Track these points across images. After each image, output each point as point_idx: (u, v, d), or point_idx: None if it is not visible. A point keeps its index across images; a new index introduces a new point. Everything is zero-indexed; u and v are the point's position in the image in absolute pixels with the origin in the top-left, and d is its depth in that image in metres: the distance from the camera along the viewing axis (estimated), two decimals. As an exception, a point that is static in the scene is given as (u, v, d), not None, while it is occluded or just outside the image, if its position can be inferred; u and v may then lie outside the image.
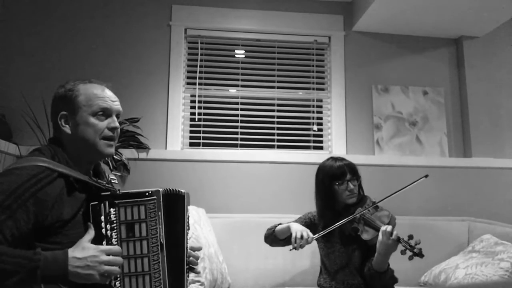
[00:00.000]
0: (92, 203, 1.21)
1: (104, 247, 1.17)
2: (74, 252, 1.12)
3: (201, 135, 2.98)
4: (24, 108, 2.56)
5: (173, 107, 2.91)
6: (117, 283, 1.18)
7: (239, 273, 2.48)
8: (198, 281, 1.91)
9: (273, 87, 3.09)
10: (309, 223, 2.11)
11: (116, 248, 1.18)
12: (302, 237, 1.81)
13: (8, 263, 1.04)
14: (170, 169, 2.80)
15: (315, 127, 3.10)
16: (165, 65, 2.96)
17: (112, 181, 1.44)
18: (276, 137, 3.04)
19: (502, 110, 3.17)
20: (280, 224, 2.04)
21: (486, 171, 3.03)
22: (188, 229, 1.39)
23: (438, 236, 2.68)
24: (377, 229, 1.82)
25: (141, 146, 2.77)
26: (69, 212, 1.19)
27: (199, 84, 3.02)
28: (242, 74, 3.08)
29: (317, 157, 2.53)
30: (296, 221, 2.13)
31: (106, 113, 1.31)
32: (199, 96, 3.01)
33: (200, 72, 3.03)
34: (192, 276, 1.69)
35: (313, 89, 3.14)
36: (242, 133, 3.01)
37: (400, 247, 1.76)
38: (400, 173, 2.91)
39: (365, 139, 3.05)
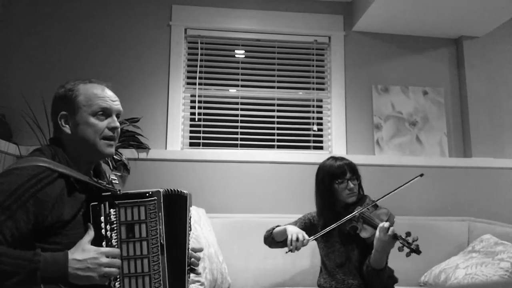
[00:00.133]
0: (92, 204, 1.21)
1: (104, 249, 1.17)
2: (74, 254, 1.12)
3: (201, 135, 2.98)
4: (24, 108, 2.56)
5: (173, 107, 2.91)
6: (116, 283, 1.18)
7: (239, 273, 2.48)
8: (198, 281, 1.91)
9: (273, 87, 3.09)
10: (308, 224, 2.11)
11: (115, 250, 1.18)
12: (297, 239, 1.82)
13: (8, 264, 1.04)
14: (170, 169, 2.80)
15: (315, 127, 3.10)
16: (165, 65, 2.96)
17: (113, 181, 1.44)
18: (276, 137, 3.04)
19: (502, 110, 3.17)
20: (278, 226, 2.04)
21: (486, 171, 3.03)
22: (190, 230, 1.38)
23: (438, 236, 2.68)
24: (375, 227, 1.82)
25: (141, 146, 2.77)
26: (69, 212, 1.19)
27: (199, 84, 3.02)
28: (242, 74, 3.08)
29: (317, 157, 2.53)
30: (296, 222, 2.14)
31: (106, 113, 1.30)
32: (199, 96, 3.01)
33: (200, 72, 3.03)
34: (192, 276, 1.69)
35: (313, 89, 3.14)
36: (242, 133, 3.01)
37: (397, 244, 1.76)
38: (400, 173, 2.90)
39: (365, 139, 3.05)
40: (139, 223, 1.21)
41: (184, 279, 1.32)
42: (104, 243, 1.18)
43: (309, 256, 2.52)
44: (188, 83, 3.03)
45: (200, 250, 1.47)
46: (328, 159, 2.07)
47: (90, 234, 1.18)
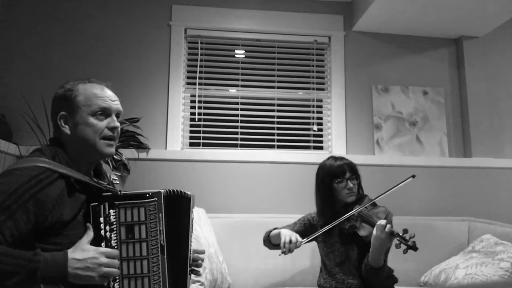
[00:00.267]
0: (92, 204, 1.21)
1: (104, 249, 1.17)
2: (74, 254, 1.12)
3: (201, 135, 2.98)
4: (24, 108, 2.56)
5: (173, 107, 2.91)
6: (116, 284, 1.18)
7: (239, 273, 2.48)
8: (198, 281, 1.92)
9: (273, 87, 3.09)
10: (308, 224, 2.12)
11: (114, 251, 1.18)
12: (290, 241, 1.84)
13: (8, 264, 1.04)
14: (170, 169, 2.80)
15: (315, 127, 3.10)
16: (165, 65, 2.96)
17: (114, 182, 1.44)
18: (276, 137, 3.03)
19: (502, 110, 3.17)
20: (275, 228, 2.06)
21: (486, 171, 3.03)
22: (192, 231, 1.38)
23: (438, 236, 2.68)
24: (373, 225, 1.83)
25: (141, 146, 2.77)
26: (69, 213, 1.19)
27: (199, 84, 3.02)
28: (242, 74, 3.08)
29: (317, 157, 2.53)
30: (295, 223, 2.15)
31: (105, 112, 1.30)
32: (199, 96, 3.01)
33: (200, 72, 3.03)
34: (192, 276, 1.69)
35: (313, 89, 3.14)
36: (242, 133, 3.01)
37: (395, 241, 1.77)
38: (400, 173, 2.88)
39: (365, 139, 3.05)
40: (138, 224, 1.21)
41: (185, 280, 1.32)
42: (103, 243, 1.18)
43: (309, 256, 2.52)
44: (188, 83, 3.03)
45: (202, 252, 1.47)
46: (328, 158, 2.08)
47: (90, 234, 1.18)
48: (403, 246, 1.73)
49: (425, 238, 2.56)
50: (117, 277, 1.18)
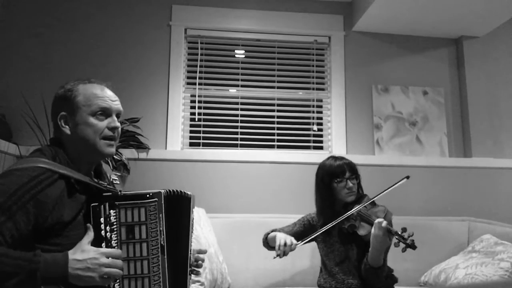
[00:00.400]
0: (92, 204, 1.21)
1: (104, 249, 1.17)
2: (74, 255, 1.12)
3: (201, 135, 2.98)
4: (24, 108, 2.56)
5: (173, 107, 2.91)
6: (116, 285, 1.17)
7: (239, 273, 2.48)
8: (198, 281, 1.92)
9: (273, 87, 3.09)
10: (308, 225, 2.12)
11: (116, 251, 1.18)
12: (285, 244, 1.84)
13: (8, 265, 1.04)
14: (170, 169, 2.80)
15: (315, 127, 3.10)
16: (165, 65, 2.96)
17: (114, 182, 1.44)
18: (276, 137, 3.04)
19: (502, 110, 3.17)
20: (274, 230, 2.07)
21: (486, 171, 3.03)
22: (193, 231, 1.38)
23: (438, 236, 2.69)
24: (372, 224, 1.83)
25: (141, 146, 2.77)
26: (69, 213, 1.19)
27: (199, 84, 3.02)
28: (242, 74, 3.08)
29: (317, 157, 2.53)
30: (295, 223, 2.16)
31: (106, 112, 1.30)
32: (199, 96, 3.01)
33: (200, 72, 3.03)
34: (192, 276, 1.69)
35: (313, 89, 3.14)
36: (242, 133, 3.01)
37: (393, 240, 1.77)
38: (400, 173, 2.86)
39: (365, 139, 3.05)
40: (139, 224, 1.21)
41: (186, 280, 1.32)
42: (103, 244, 1.18)
43: (309, 256, 2.52)
44: (188, 83, 3.03)
45: (204, 252, 1.47)
46: (328, 158, 2.08)
47: (90, 235, 1.18)
48: (402, 245, 1.74)
49: (425, 238, 2.57)
50: (118, 277, 1.18)
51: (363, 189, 2.08)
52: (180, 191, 1.32)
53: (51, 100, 1.33)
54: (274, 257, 1.86)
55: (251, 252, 2.50)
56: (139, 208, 1.21)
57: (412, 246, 1.71)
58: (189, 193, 1.35)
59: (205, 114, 3.01)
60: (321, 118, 3.12)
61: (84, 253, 1.13)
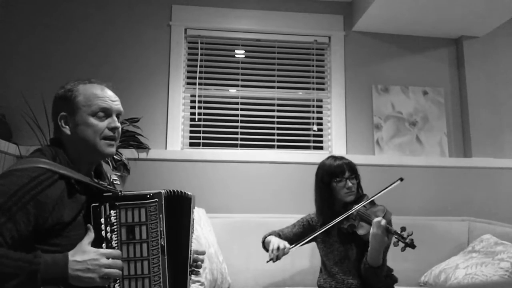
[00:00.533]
0: (93, 205, 1.21)
1: (104, 250, 1.17)
2: (75, 256, 1.12)
3: (201, 135, 2.98)
4: (24, 108, 2.56)
5: (173, 107, 2.91)
6: (116, 285, 1.17)
7: (239, 273, 2.48)
8: (198, 281, 1.92)
9: (273, 87, 3.09)
10: (307, 226, 2.13)
11: (116, 251, 1.18)
12: (278, 248, 1.86)
13: (8, 266, 1.04)
14: (170, 169, 2.80)
15: (315, 127, 3.10)
16: (165, 65, 2.96)
17: (114, 182, 1.44)
18: (276, 137, 3.04)
19: (502, 110, 3.17)
20: (270, 234, 2.08)
21: (486, 171, 3.03)
22: (193, 232, 1.38)
23: (438, 236, 2.69)
24: (371, 224, 1.83)
25: (141, 146, 2.77)
26: (69, 214, 1.18)
27: (199, 84, 3.02)
28: (242, 74, 3.08)
29: (317, 157, 2.52)
30: (294, 224, 2.16)
31: (106, 113, 1.30)
32: (199, 96, 3.01)
33: (200, 72, 3.03)
34: (192, 276, 1.70)
35: (313, 89, 3.14)
36: (242, 133, 3.01)
37: (393, 239, 1.78)
38: (400, 173, 2.86)
39: (365, 139, 3.05)
40: (139, 225, 1.21)
41: (186, 281, 1.32)
42: (104, 244, 1.18)
43: (308, 256, 2.52)
44: (188, 83, 3.03)
45: (203, 253, 1.47)
46: (328, 158, 2.08)
47: (90, 235, 1.18)
48: (401, 244, 1.74)
49: (425, 238, 2.57)
50: (118, 278, 1.17)
51: (362, 189, 2.08)
52: (181, 192, 1.32)
53: (51, 100, 1.33)
54: (267, 261, 1.88)
55: (251, 252, 2.50)
56: (140, 209, 1.21)
57: (411, 245, 1.71)
58: (189, 193, 1.35)
59: (205, 114, 3.01)
60: (321, 118, 3.12)
61: (84, 254, 1.13)
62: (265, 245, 2.07)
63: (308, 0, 3.15)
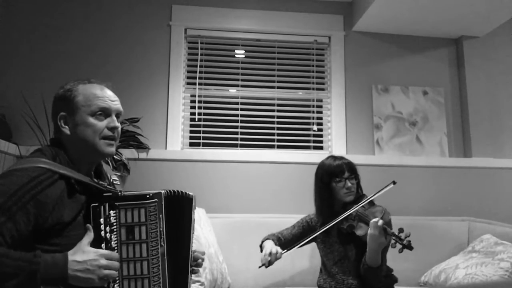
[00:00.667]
0: (92, 205, 1.21)
1: (104, 251, 1.17)
2: (74, 256, 1.12)
3: (201, 135, 2.98)
4: (24, 108, 2.56)
5: (173, 107, 2.91)
6: (116, 286, 1.18)
7: (239, 273, 2.48)
8: (198, 281, 1.92)
9: (273, 87, 3.09)
10: (306, 226, 2.13)
11: (114, 253, 1.18)
12: (270, 253, 1.87)
13: (8, 266, 1.04)
14: (170, 169, 2.80)
15: (315, 127, 3.10)
16: (165, 65, 2.96)
17: (114, 182, 1.44)
18: (276, 137, 3.04)
19: (502, 110, 3.17)
20: (267, 238, 2.08)
21: (486, 171, 3.03)
22: (194, 232, 1.37)
23: (438, 236, 2.69)
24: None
25: (141, 146, 2.77)
26: (69, 214, 1.19)
27: (199, 84, 3.02)
28: (242, 74, 3.08)
29: (317, 157, 2.52)
30: (293, 226, 2.17)
31: (105, 112, 1.30)
32: (199, 96, 3.01)
33: (200, 72, 3.03)
34: (192, 276, 1.70)
35: (313, 89, 3.14)
36: (242, 133, 3.01)
37: (390, 240, 1.77)
38: (400, 173, 2.91)
39: (365, 139, 3.05)
40: (139, 225, 1.21)
41: (186, 281, 1.32)
42: (103, 244, 1.18)
43: (308, 256, 2.52)
44: (188, 83, 3.03)
45: (203, 253, 1.47)
46: (328, 158, 2.08)
47: (90, 235, 1.18)
48: (399, 245, 1.74)
49: (425, 238, 2.57)
50: (117, 278, 1.18)
51: (362, 189, 2.08)
52: (181, 192, 1.32)
53: (51, 100, 1.33)
54: (260, 266, 1.89)
55: (251, 252, 2.49)
56: (139, 209, 1.21)
57: (409, 246, 1.71)
58: (190, 193, 1.35)
59: (205, 114, 3.01)
60: (321, 118, 3.12)
61: (84, 255, 1.13)
62: (262, 250, 2.07)
63: (308, 0, 3.15)
